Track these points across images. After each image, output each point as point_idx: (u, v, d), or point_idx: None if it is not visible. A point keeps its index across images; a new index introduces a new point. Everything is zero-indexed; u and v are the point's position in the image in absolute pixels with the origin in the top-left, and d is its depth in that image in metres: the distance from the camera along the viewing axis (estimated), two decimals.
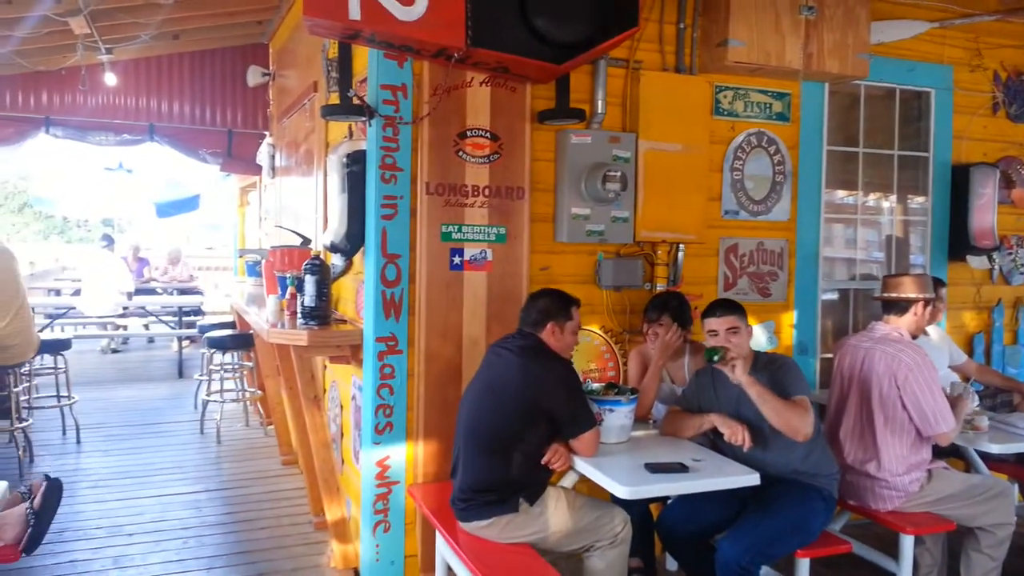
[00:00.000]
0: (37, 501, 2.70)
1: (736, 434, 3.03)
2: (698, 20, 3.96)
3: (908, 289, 3.44)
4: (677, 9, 3.93)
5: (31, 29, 5.18)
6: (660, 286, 3.91)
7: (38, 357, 5.85)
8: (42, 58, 6.23)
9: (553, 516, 2.92)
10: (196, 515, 4.55)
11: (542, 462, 2.93)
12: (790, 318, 4.35)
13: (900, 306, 3.44)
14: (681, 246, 3.98)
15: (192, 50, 7.14)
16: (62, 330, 9.46)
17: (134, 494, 4.86)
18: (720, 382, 3.23)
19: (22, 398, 5.83)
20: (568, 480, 3.11)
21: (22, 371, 5.68)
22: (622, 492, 2.68)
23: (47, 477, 2.91)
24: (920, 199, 4.83)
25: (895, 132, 4.69)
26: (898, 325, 3.43)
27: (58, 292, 10.68)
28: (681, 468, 2.83)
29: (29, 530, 2.63)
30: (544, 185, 3.76)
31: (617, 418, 3.09)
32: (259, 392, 6.54)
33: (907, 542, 3.25)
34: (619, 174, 3.61)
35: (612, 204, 3.74)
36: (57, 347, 6.14)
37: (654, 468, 2.81)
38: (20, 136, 6.82)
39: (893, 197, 4.84)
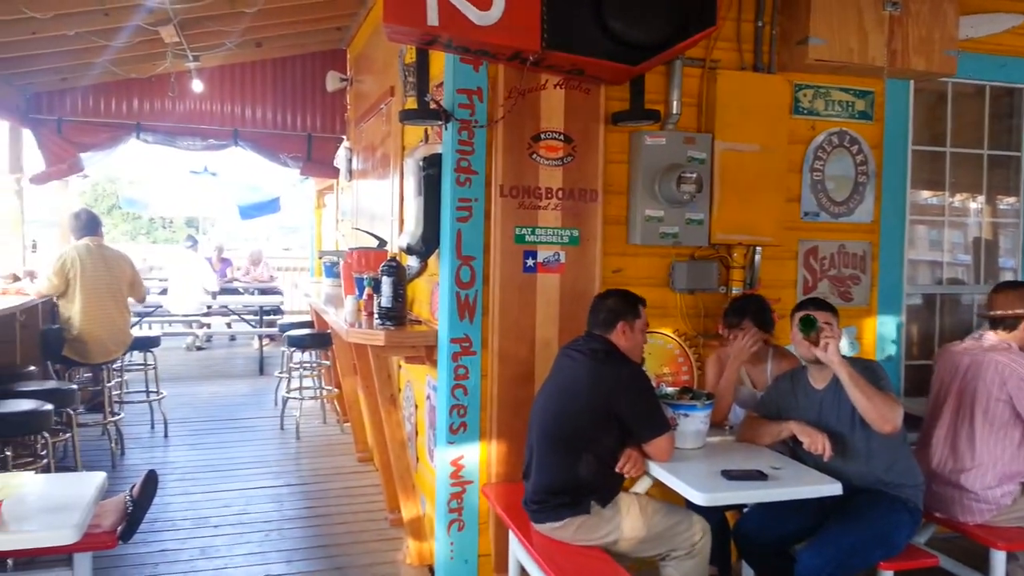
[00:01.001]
0: (136, 490, 2.84)
1: (816, 443, 2.95)
2: (777, 17, 3.88)
3: (1018, 304, 3.32)
4: (755, 7, 3.86)
5: (126, 39, 5.43)
6: (736, 289, 3.85)
7: (128, 354, 6.12)
8: (134, 66, 6.52)
9: (626, 520, 2.90)
10: (277, 509, 4.69)
11: (616, 469, 2.92)
12: (873, 324, 4.21)
13: (1008, 322, 3.33)
14: (758, 248, 3.91)
15: (274, 57, 7.36)
16: (150, 327, 9.88)
17: (219, 487, 5.05)
18: (801, 388, 3.16)
19: (114, 393, 6.13)
20: (642, 485, 3.09)
21: (114, 367, 5.96)
22: (699, 498, 2.65)
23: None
24: (1011, 200, 4.62)
25: (985, 130, 4.50)
26: (1006, 338, 3.31)
27: (146, 291, 11.11)
28: (760, 476, 2.78)
29: (127, 518, 2.77)
30: (617, 187, 3.74)
31: (692, 423, 3.06)
32: (336, 390, 6.70)
33: (998, 558, 3.12)
34: (694, 176, 3.56)
35: (687, 206, 3.69)
36: (147, 344, 6.42)
37: (731, 475, 2.77)
38: (113, 141, 7.14)
39: (982, 198, 4.65)
